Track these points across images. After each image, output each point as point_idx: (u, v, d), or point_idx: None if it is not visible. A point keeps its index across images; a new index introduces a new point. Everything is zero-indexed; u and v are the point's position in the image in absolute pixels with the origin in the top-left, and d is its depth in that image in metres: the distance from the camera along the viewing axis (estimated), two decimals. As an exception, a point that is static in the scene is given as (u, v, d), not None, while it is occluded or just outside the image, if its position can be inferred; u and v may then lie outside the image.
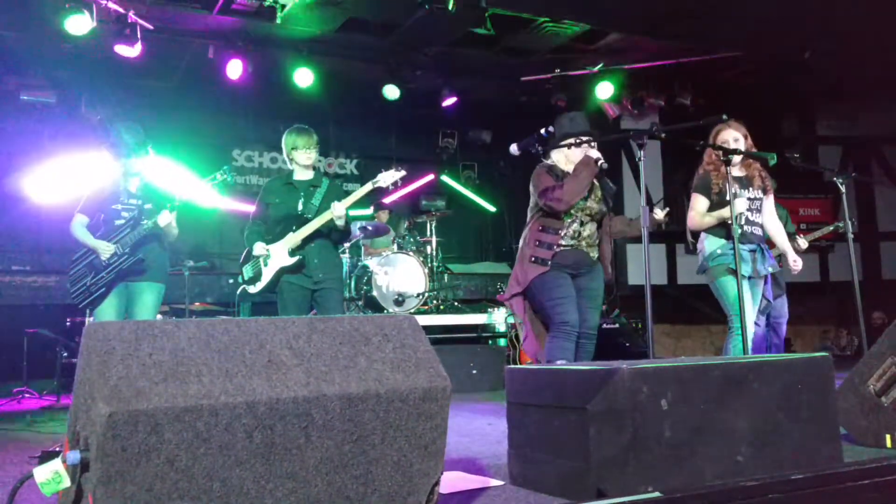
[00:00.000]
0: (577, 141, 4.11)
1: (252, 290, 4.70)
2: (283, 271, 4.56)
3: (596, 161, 4.05)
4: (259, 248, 4.61)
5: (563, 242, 4.09)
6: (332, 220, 4.48)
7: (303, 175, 4.74)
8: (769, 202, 4.57)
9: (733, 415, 2.45)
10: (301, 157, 4.66)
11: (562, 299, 3.99)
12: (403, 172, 4.64)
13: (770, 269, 4.43)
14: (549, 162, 4.27)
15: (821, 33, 7.79)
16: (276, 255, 4.57)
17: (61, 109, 8.02)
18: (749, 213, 4.41)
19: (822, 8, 7.16)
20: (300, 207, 4.62)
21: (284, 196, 4.67)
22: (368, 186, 4.60)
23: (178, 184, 5.12)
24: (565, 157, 4.21)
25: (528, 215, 4.28)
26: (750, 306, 4.30)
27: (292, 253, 4.54)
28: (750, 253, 4.38)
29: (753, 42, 8.15)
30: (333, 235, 4.66)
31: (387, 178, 4.60)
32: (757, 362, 2.58)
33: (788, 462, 2.51)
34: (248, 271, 4.73)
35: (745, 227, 4.39)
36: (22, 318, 6.10)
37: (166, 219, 4.43)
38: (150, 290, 4.50)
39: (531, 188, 4.21)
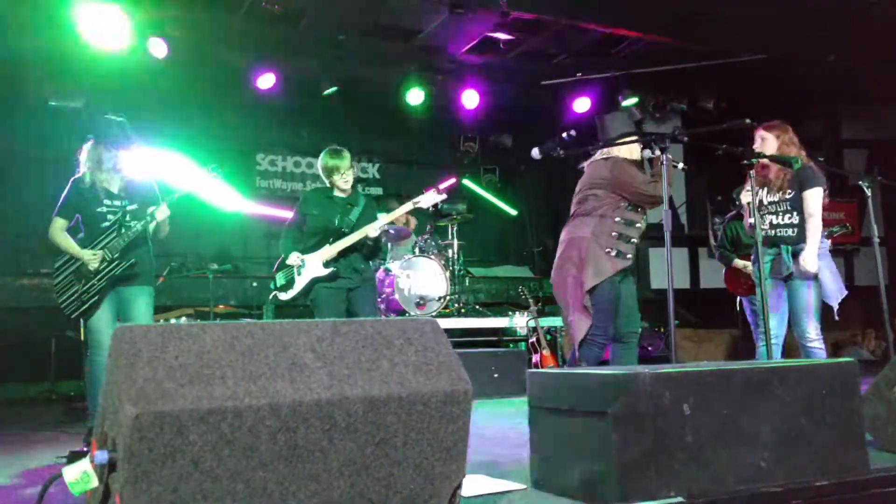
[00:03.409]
0: (643, 140, 3.97)
1: (283, 296, 4.78)
2: (315, 281, 4.66)
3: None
4: (294, 258, 4.70)
5: (636, 241, 3.99)
6: (367, 235, 4.63)
7: (342, 193, 4.85)
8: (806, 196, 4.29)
9: (757, 420, 2.43)
10: (340, 181, 4.77)
11: (608, 312, 3.92)
12: (445, 195, 4.82)
13: (784, 272, 4.30)
14: (621, 155, 4.06)
15: (845, 35, 7.70)
16: (311, 266, 4.67)
17: (88, 114, 8.12)
18: (773, 217, 4.34)
19: (847, 10, 7.08)
20: (337, 222, 4.72)
21: (323, 208, 4.77)
22: (409, 206, 4.79)
23: (179, 177, 5.03)
24: (629, 153, 4.05)
25: (589, 206, 4.02)
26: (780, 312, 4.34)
27: (326, 265, 4.65)
28: (770, 257, 4.32)
29: (777, 45, 8.07)
30: (366, 250, 4.78)
31: (428, 199, 4.80)
32: (781, 367, 2.56)
33: (812, 469, 2.48)
34: (280, 278, 4.81)
35: (769, 232, 4.32)
36: (49, 320, 6.14)
37: (165, 212, 4.20)
38: (143, 295, 4.25)
39: (610, 178, 3.98)
